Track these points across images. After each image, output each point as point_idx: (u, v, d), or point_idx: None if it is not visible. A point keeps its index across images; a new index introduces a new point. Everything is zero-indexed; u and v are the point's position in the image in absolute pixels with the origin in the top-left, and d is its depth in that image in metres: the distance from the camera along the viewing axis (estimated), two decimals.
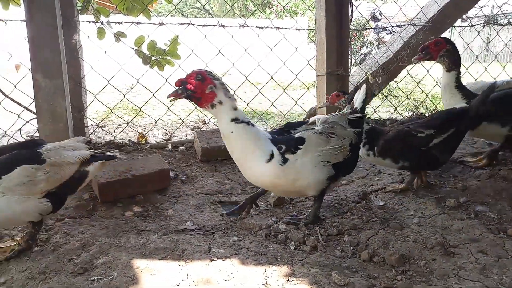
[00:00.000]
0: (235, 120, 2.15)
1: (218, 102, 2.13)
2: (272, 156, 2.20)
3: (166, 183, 2.92)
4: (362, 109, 2.47)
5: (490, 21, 5.79)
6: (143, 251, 2.07)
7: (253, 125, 2.21)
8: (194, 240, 2.18)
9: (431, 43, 2.94)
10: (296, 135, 2.30)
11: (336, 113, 2.49)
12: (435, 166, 2.83)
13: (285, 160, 2.21)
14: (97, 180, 2.65)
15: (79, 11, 3.41)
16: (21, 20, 2.95)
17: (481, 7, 4.88)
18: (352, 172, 2.57)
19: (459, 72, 2.98)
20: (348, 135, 2.36)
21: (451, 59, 2.93)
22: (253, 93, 4.57)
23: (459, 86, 2.96)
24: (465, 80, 4.03)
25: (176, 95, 2.11)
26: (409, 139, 2.66)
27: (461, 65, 3.03)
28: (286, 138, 2.33)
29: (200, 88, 2.10)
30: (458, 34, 5.09)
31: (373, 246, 2.16)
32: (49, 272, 1.90)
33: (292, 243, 2.21)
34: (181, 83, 2.10)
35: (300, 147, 2.24)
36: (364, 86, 2.50)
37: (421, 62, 3.45)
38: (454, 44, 2.96)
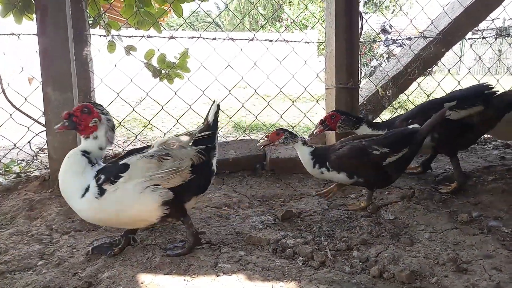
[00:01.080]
0: (85, 152, 2.12)
1: (94, 137, 2.15)
2: (87, 190, 2.02)
3: None
4: (214, 122, 2.34)
5: (502, 33, 5.74)
6: (148, 266, 2.05)
7: (93, 165, 2.10)
8: (200, 255, 2.15)
9: (327, 117, 3.10)
10: (121, 162, 2.09)
11: (180, 133, 2.32)
12: (387, 183, 2.82)
13: (101, 192, 2.00)
14: None
15: (91, 25, 3.45)
16: (34, 34, 3.00)
17: (493, 19, 4.83)
18: (207, 190, 2.36)
19: (367, 119, 3.14)
20: (188, 155, 2.14)
21: (349, 124, 3.08)
22: (262, 106, 4.56)
23: (374, 126, 3.09)
24: None
25: (63, 128, 2.13)
26: (364, 156, 2.62)
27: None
28: (111, 166, 2.11)
29: (85, 120, 2.12)
30: (470, 46, 5.03)
31: (383, 262, 2.11)
32: (53, 286, 1.88)
33: (300, 258, 2.17)
34: (68, 116, 2.12)
35: (122, 174, 2.02)
36: (217, 99, 2.36)
37: (433, 75, 3.50)
38: (346, 112, 3.15)
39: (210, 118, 2.34)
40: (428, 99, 3.61)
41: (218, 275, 1.95)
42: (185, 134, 2.28)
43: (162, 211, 2.09)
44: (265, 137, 2.80)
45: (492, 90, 3.06)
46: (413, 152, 2.70)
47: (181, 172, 2.10)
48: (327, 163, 2.67)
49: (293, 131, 2.79)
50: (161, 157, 2.07)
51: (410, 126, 2.79)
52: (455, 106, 2.95)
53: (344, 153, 2.64)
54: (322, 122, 3.11)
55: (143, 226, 2.32)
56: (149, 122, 3.95)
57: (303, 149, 2.73)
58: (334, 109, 3.34)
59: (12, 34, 3.17)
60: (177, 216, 2.20)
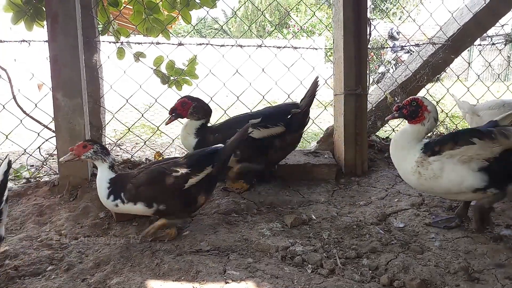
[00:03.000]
0: None
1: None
2: None
3: None
4: (3, 183, 1.91)
5: None
6: (157, 272, 2.04)
7: None
8: (208, 261, 2.15)
9: (177, 104, 3.00)
10: None
11: None
12: (193, 209, 2.57)
13: None
14: None
15: (100, 32, 3.48)
16: (44, 41, 3.03)
17: (502, 25, 4.80)
18: None
19: (208, 121, 3.12)
20: None
21: (200, 113, 3.04)
22: None
23: (198, 129, 3.06)
24: (487, 98, 3.94)
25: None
26: (164, 180, 2.36)
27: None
28: None
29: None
30: (479, 53, 5.00)
31: (393, 270, 2.09)
32: None
33: (309, 266, 2.15)
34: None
35: None
36: (9, 158, 1.96)
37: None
38: (199, 99, 3.08)
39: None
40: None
41: (226, 282, 1.94)
42: None
43: None
44: (69, 150, 2.37)
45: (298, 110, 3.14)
46: (218, 171, 2.53)
47: None
48: (122, 194, 2.33)
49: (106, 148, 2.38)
50: None
51: (214, 146, 2.62)
52: (258, 123, 2.98)
53: (141, 180, 2.34)
54: (173, 111, 2.96)
55: None
56: (157, 128, 3.96)
57: (105, 173, 2.35)
58: (185, 95, 3.11)
59: (23, 41, 3.21)
60: None
